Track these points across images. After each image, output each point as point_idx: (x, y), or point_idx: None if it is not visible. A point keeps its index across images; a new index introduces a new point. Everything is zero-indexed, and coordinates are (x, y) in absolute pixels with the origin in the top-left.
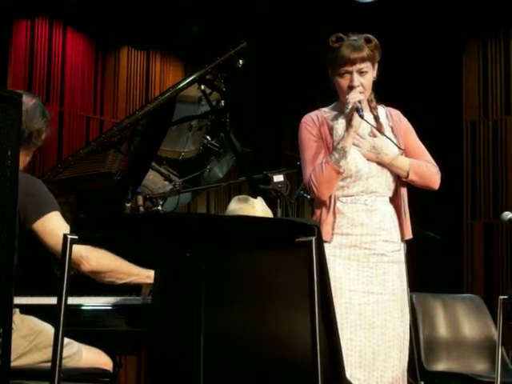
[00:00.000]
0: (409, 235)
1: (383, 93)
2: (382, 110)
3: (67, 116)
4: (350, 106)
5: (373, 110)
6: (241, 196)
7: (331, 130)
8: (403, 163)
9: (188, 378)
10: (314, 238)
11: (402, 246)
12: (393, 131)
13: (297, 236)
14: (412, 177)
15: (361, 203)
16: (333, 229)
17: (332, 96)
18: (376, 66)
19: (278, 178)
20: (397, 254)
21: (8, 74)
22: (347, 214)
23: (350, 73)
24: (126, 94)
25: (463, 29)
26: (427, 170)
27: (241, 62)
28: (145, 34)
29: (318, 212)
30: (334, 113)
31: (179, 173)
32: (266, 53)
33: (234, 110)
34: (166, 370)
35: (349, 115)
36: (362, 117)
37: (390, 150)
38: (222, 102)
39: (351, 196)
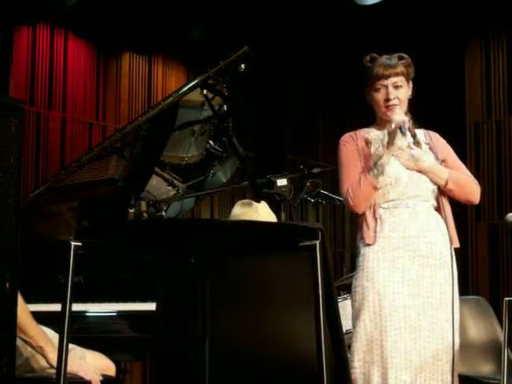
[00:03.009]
0: (455, 244)
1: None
2: (420, 131)
3: (70, 122)
4: (393, 125)
5: (411, 129)
6: (244, 200)
7: (368, 143)
8: (442, 171)
9: (194, 383)
10: (317, 242)
11: (450, 252)
12: (430, 148)
13: (301, 240)
14: (450, 186)
15: (402, 206)
16: (375, 232)
17: (337, 97)
18: (411, 84)
19: (282, 181)
20: (445, 259)
21: (10, 81)
22: (388, 218)
23: (386, 87)
24: (129, 100)
25: (465, 29)
26: (466, 180)
27: (243, 66)
28: (146, 39)
29: (360, 219)
30: (371, 129)
31: (182, 178)
32: (268, 57)
33: (236, 115)
34: (172, 375)
35: (392, 133)
36: (403, 133)
37: (428, 159)
38: (225, 106)
39: (392, 201)
